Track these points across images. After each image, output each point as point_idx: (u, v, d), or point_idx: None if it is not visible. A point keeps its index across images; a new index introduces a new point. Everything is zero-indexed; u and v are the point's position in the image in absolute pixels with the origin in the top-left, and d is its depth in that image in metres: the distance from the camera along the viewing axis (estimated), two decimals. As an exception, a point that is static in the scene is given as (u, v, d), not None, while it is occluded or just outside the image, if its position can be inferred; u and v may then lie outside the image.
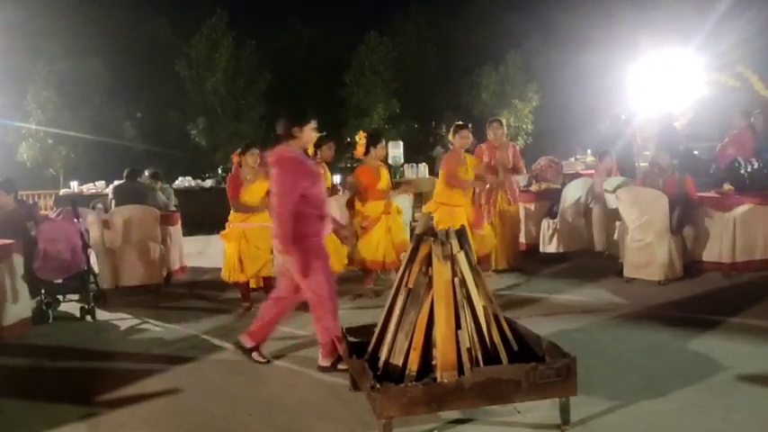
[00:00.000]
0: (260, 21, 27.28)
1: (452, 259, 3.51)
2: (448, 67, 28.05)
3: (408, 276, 3.63)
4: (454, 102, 26.79)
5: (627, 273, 6.95)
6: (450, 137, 7.10)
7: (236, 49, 23.12)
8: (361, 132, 7.03)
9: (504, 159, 7.54)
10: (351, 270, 7.06)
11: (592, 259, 8.19)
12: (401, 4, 29.72)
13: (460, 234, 3.62)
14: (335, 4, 35.11)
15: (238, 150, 6.35)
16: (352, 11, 33.75)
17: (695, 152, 12.64)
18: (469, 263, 3.58)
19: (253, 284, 6.43)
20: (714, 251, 6.96)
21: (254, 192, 6.17)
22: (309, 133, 4.48)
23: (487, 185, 7.40)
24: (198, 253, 10.06)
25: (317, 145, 6.46)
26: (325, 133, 6.55)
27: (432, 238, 3.56)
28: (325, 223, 4.46)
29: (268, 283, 6.23)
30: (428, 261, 3.55)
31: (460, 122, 7.08)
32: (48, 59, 21.65)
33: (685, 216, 6.94)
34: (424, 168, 14.26)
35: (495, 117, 8.21)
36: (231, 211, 6.32)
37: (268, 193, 6.15)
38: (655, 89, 19.11)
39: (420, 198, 11.73)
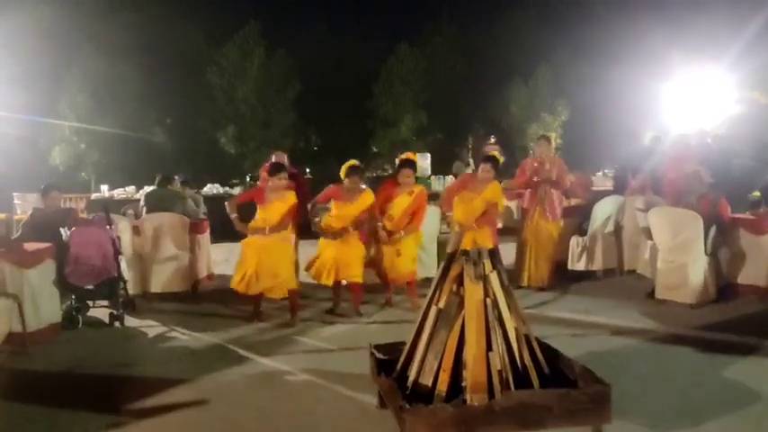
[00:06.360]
0: (290, 30, 27.41)
1: (485, 279, 3.47)
2: (476, 79, 27.96)
3: (439, 295, 3.60)
4: (482, 114, 26.70)
5: (658, 294, 6.82)
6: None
7: (267, 59, 23.30)
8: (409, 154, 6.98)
9: (546, 175, 7.49)
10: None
11: (621, 279, 8.07)
12: (431, 15, 29.69)
13: (493, 254, 3.58)
14: (365, 15, 35.27)
15: (267, 165, 6.38)
16: (381, 21, 33.84)
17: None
18: (501, 283, 3.53)
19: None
20: (749, 274, 6.82)
21: (273, 210, 6.20)
22: None
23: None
24: (224, 260, 10.11)
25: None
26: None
27: (464, 258, 3.52)
28: None
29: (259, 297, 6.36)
30: (459, 280, 3.52)
31: (489, 155, 7.03)
32: (82, 64, 22.02)
33: (720, 237, 6.80)
34: (451, 181, 14.26)
35: (544, 134, 8.16)
36: (253, 220, 6.34)
37: (290, 211, 6.19)
38: (686, 106, 18.89)
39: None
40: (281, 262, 6.17)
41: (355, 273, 6.43)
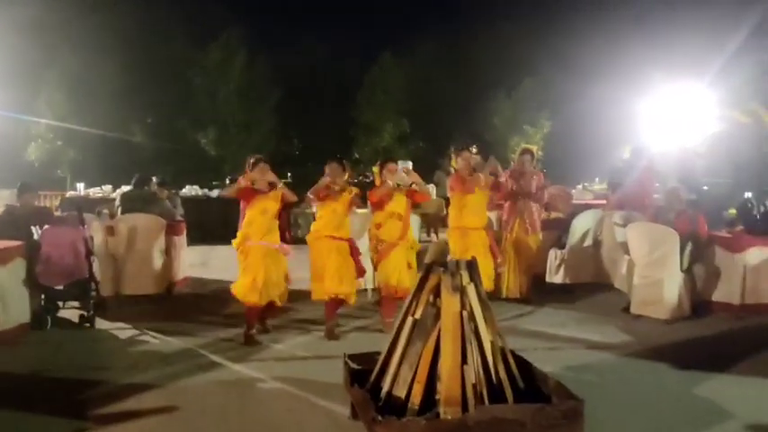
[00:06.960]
0: (274, 36, 27.37)
1: (462, 291, 3.44)
2: (460, 90, 28.07)
3: (415, 306, 3.55)
4: (465, 124, 26.79)
5: (634, 309, 6.84)
6: (452, 162, 7.08)
7: (249, 62, 23.23)
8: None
9: (526, 188, 7.51)
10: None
11: (598, 293, 8.07)
12: (416, 24, 29.81)
13: (471, 265, 3.55)
14: (350, 22, 35.31)
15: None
16: (366, 29, 33.90)
17: (705, 187, 12.58)
18: (479, 295, 3.50)
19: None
20: (724, 292, 6.85)
21: (260, 207, 5.97)
22: None
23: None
24: (201, 263, 10.00)
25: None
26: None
27: (441, 269, 3.48)
28: None
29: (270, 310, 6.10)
30: (437, 291, 3.48)
31: (460, 145, 7.03)
32: (61, 62, 21.75)
33: (696, 254, 6.84)
34: (432, 189, 14.25)
35: (527, 147, 8.22)
36: (244, 228, 5.96)
37: (279, 214, 6.02)
38: (667, 123, 19.11)
39: (426, 219, 11.68)
40: (281, 271, 5.95)
41: (351, 291, 6.06)
